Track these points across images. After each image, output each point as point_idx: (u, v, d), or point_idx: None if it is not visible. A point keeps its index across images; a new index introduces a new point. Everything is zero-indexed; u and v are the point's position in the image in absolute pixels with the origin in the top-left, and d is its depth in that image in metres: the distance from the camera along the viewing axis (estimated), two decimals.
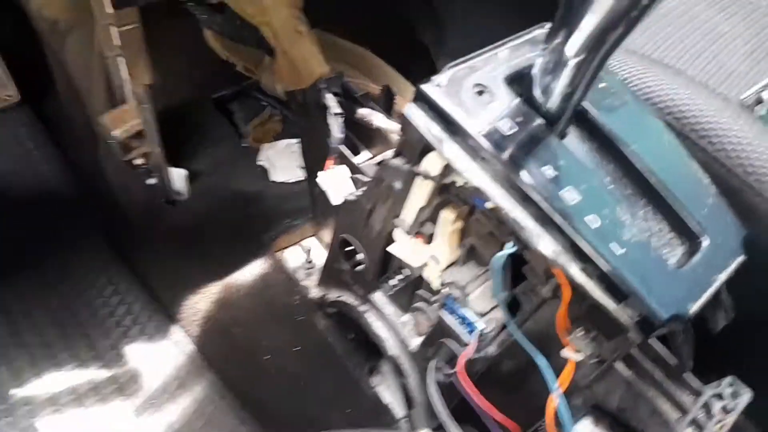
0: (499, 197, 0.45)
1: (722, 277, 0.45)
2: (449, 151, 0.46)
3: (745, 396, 0.54)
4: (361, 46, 1.05)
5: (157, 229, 0.99)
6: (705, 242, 0.46)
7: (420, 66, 1.29)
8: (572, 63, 0.43)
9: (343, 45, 0.95)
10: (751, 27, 0.67)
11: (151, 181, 0.97)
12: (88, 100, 1.04)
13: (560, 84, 0.45)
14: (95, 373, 1.07)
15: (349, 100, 0.76)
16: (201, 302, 0.93)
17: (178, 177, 0.95)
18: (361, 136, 0.80)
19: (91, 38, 0.98)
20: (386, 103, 0.80)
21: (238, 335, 0.88)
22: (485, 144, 0.44)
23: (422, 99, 0.47)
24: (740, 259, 0.46)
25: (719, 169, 0.56)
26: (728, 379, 0.56)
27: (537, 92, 0.47)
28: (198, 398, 1.02)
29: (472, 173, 0.45)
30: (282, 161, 0.99)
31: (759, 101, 0.64)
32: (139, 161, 0.98)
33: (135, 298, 1.10)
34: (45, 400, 1.03)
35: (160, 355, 1.06)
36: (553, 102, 0.46)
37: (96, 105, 1.02)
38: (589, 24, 0.39)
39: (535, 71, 0.46)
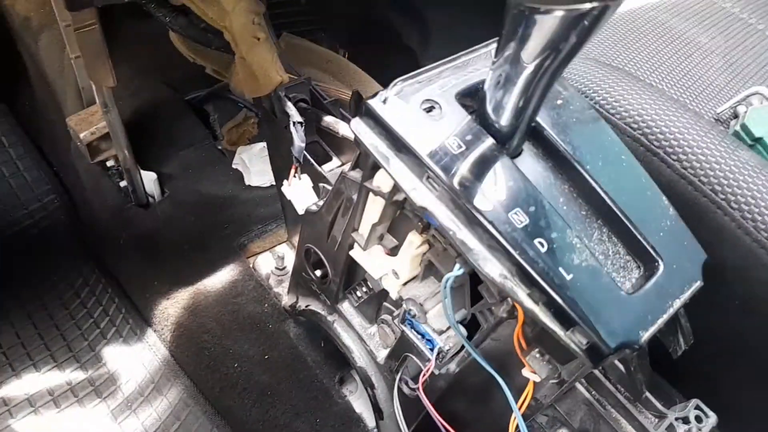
0: (444, 218, 0.43)
1: (678, 303, 0.44)
2: (395, 168, 0.44)
3: (710, 420, 0.53)
4: (347, 49, 1.04)
5: (129, 232, 0.97)
6: (660, 267, 0.44)
7: (403, 69, 1.27)
8: (522, 77, 0.41)
9: (315, 49, 0.93)
10: (730, 40, 0.65)
11: (123, 183, 0.96)
12: (62, 101, 1.02)
13: (511, 100, 0.43)
14: (72, 375, 1.06)
15: (317, 107, 0.75)
16: (171, 308, 0.91)
17: (148, 180, 0.94)
18: (330, 142, 0.78)
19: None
20: (356, 109, 0.78)
21: (207, 342, 0.87)
22: (431, 163, 0.42)
23: (369, 114, 0.45)
24: (697, 284, 0.45)
25: (686, 187, 0.54)
26: (693, 402, 0.54)
27: (488, 109, 0.45)
28: (173, 402, 1.01)
29: (418, 193, 0.44)
30: (257, 165, 0.97)
31: (735, 115, 0.62)
32: (110, 163, 0.97)
33: (110, 300, 1.09)
34: (23, 401, 1.03)
35: (136, 359, 1.05)
36: (505, 119, 0.44)
37: (69, 105, 1.01)
38: (538, 35, 0.37)
39: (486, 87, 0.44)
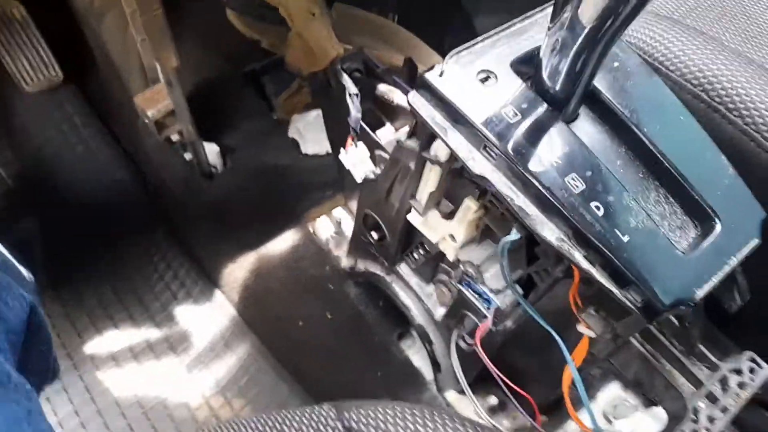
0: (502, 186, 0.45)
1: (734, 260, 0.45)
2: (453, 139, 0.47)
3: (764, 371, 0.54)
4: (397, 13, 1.04)
5: (196, 202, 1.04)
6: (718, 226, 0.45)
7: (457, 29, 1.26)
8: (579, 41, 0.42)
9: (366, 17, 0.94)
10: None
11: (188, 156, 1.02)
12: (127, 80, 1.08)
13: (567, 65, 0.44)
14: (149, 333, 1.15)
15: (371, 76, 0.76)
16: (238, 271, 0.98)
17: (211, 152, 0.99)
18: (384, 109, 0.80)
19: (126, 19, 1.01)
20: (409, 76, 0.79)
21: (273, 303, 0.93)
22: (488, 133, 0.44)
23: (425, 87, 0.47)
24: (755, 242, 0.45)
25: (748, 144, 0.54)
26: (747, 354, 0.56)
27: (544, 75, 0.46)
28: (241, 357, 1.09)
29: (476, 162, 0.46)
30: (312, 133, 1.00)
31: None
32: (175, 138, 1.02)
33: (180, 265, 1.16)
34: (106, 356, 1.13)
35: (206, 318, 1.14)
36: (561, 85, 0.45)
37: (134, 84, 1.06)
38: None
39: (542, 53, 0.45)
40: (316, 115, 1.04)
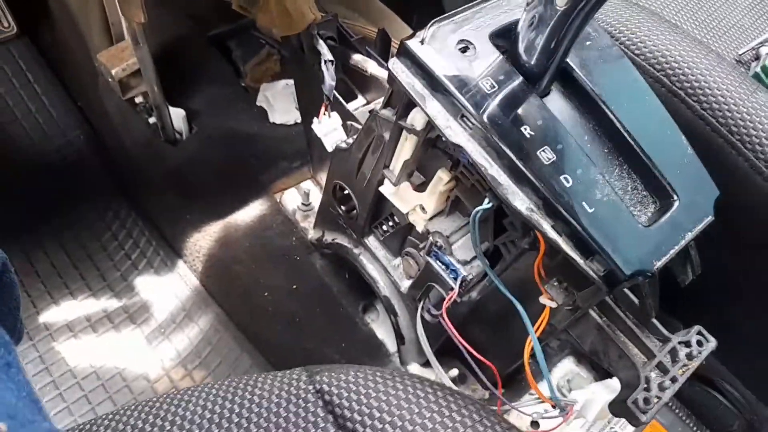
0: (477, 155, 0.46)
1: (689, 235, 0.47)
2: (431, 107, 0.47)
3: (710, 345, 0.57)
4: None
5: (159, 168, 1.01)
6: (676, 202, 0.47)
7: (425, 4, 1.26)
8: (555, 19, 0.43)
9: None
10: None
11: (152, 120, 0.99)
12: (88, 35, 1.03)
13: (543, 41, 0.45)
14: (107, 303, 1.13)
15: (344, 45, 0.76)
16: (202, 240, 0.96)
17: (176, 117, 0.96)
18: (356, 81, 0.80)
19: None
20: (382, 47, 0.79)
21: (238, 272, 0.92)
22: (465, 102, 0.45)
23: (406, 54, 0.48)
24: (709, 219, 0.48)
25: (704, 128, 0.56)
26: (695, 328, 0.59)
27: (521, 49, 0.47)
28: (203, 328, 1.08)
29: (453, 131, 0.47)
30: (281, 103, 0.99)
31: (756, 57, 0.63)
32: (138, 99, 0.99)
33: (140, 233, 1.14)
34: (62, 326, 1.10)
35: (167, 288, 1.12)
36: (536, 60, 0.46)
37: (95, 40, 1.02)
38: None
39: (519, 28, 0.46)
40: (285, 84, 1.02)
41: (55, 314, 1.10)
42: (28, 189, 1.14)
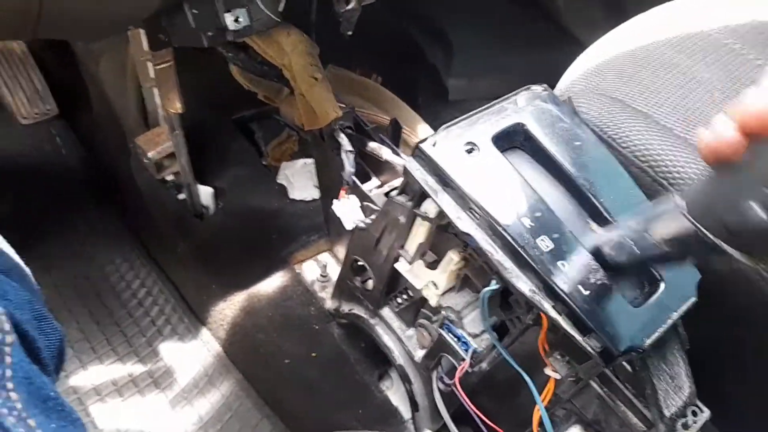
0: (483, 242, 0.52)
1: (675, 315, 0.52)
2: (442, 200, 0.54)
3: (704, 414, 0.61)
4: (372, 71, 1.14)
5: (185, 240, 1.08)
6: (662, 285, 0.53)
7: (429, 86, 1.37)
8: None
9: (356, 79, 1.03)
10: (730, 75, 0.73)
11: (181, 196, 1.07)
12: (123, 119, 1.13)
13: None
14: (133, 368, 1.17)
15: (360, 133, 0.84)
16: (226, 309, 1.02)
17: (204, 194, 1.04)
18: (371, 164, 0.88)
19: (124, 62, 1.07)
20: (394, 134, 0.87)
21: (260, 340, 0.97)
22: (474, 198, 0.52)
23: (420, 154, 0.55)
24: (692, 300, 0.53)
25: None
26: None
27: None
28: (225, 394, 1.12)
29: (462, 221, 0.53)
30: (299, 180, 1.07)
31: None
32: (169, 177, 1.08)
33: (166, 301, 1.19)
34: (90, 390, 1.14)
35: (191, 354, 1.16)
36: None
37: (130, 124, 1.12)
38: None
39: None
40: (303, 163, 1.11)
41: (84, 378, 1.14)
42: (59, 259, 1.21)
